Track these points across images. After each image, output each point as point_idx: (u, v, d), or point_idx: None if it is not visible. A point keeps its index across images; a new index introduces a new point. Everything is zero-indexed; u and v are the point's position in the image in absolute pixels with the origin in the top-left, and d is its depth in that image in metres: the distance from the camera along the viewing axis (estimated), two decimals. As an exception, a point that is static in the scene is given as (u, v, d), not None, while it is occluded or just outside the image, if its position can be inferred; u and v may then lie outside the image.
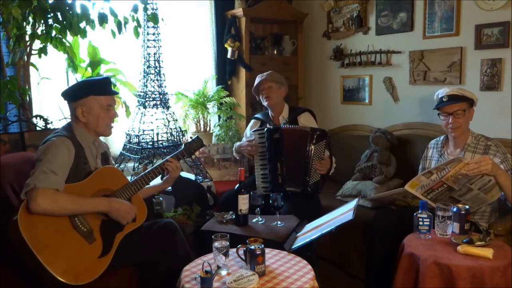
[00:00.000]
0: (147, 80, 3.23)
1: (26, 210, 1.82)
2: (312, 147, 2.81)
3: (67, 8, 2.60)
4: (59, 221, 1.89)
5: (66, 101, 2.17)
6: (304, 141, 2.82)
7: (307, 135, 2.83)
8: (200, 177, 3.39)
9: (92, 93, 2.09)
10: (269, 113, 3.20)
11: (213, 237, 1.92)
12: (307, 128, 2.87)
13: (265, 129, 2.96)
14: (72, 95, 2.11)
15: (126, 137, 3.31)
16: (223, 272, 1.87)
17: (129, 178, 2.27)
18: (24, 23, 2.61)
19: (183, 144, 2.51)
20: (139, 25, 2.84)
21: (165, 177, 2.42)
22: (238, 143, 3.21)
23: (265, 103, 3.15)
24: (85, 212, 1.97)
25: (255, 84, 3.18)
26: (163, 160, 2.37)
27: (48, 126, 2.83)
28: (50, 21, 2.64)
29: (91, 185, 2.05)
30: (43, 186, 1.84)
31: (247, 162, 3.69)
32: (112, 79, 3.06)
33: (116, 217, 2.03)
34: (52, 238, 1.84)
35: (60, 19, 2.62)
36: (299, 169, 2.83)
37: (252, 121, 3.32)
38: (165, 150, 3.24)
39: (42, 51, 2.72)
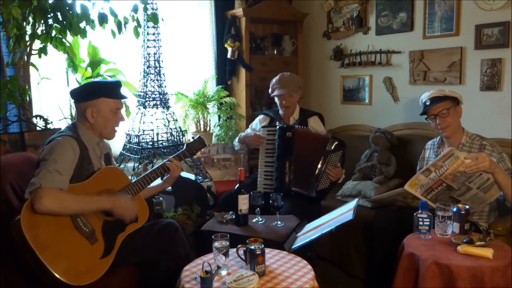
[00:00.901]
0: (147, 80, 3.22)
1: (29, 209, 1.82)
2: (329, 154, 2.79)
3: (67, 8, 2.60)
4: (62, 221, 1.89)
5: (73, 100, 2.17)
6: (323, 146, 2.81)
7: (327, 141, 2.82)
8: (200, 177, 3.39)
9: (103, 95, 2.10)
10: (280, 112, 3.18)
11: (213, 237, 1.92)
12: (328, 135, 2.87)
13: (278, 126, 2.93)
14: (82, 95, 2.12)
15: (126, 137, 3.30)
16: (223, 272, 1.87)
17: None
18: (24, 23, 2.61)
19: (185, 144, 2.50)
20: (139, 25, 2.84)
21: (165, 177, 2.42)
22: (243, 134, 3.20)
23: (281, 109, 3.12)
24: (90, 211, 1.97)
25: (277, 91, 3.06)
26: (165, 160, 2.37)
27: (48, 126, 2.83)
28: (50, 21, 2.64)
29: (94, 185, 2.05)
30: (48, 185, 1.84)
31: (247, 162, 3.68)
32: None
33: (120, 214, 2.03)
34: (54, 238, 1.84)
35: (60, 19, 2.62)
36: (310, 172, 2.81)
37: (261, 116, 3.30)
38: (165, 150, 3.23)
39: (42, 51, 2.72)
